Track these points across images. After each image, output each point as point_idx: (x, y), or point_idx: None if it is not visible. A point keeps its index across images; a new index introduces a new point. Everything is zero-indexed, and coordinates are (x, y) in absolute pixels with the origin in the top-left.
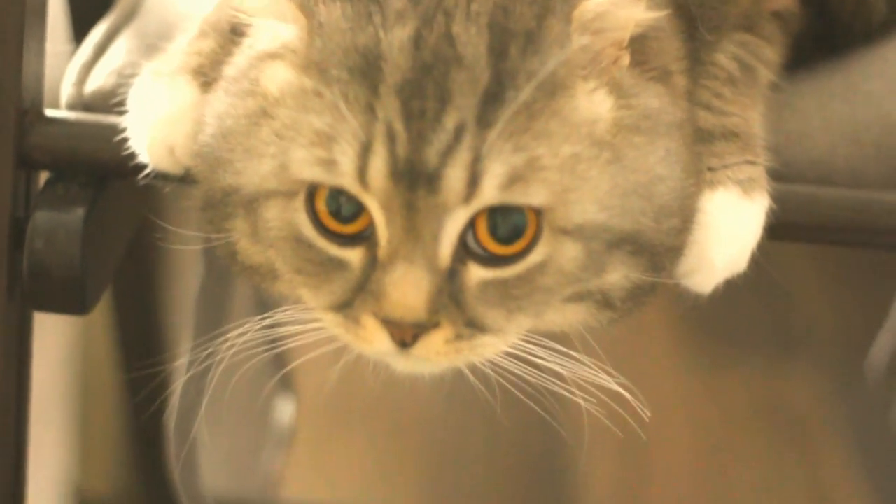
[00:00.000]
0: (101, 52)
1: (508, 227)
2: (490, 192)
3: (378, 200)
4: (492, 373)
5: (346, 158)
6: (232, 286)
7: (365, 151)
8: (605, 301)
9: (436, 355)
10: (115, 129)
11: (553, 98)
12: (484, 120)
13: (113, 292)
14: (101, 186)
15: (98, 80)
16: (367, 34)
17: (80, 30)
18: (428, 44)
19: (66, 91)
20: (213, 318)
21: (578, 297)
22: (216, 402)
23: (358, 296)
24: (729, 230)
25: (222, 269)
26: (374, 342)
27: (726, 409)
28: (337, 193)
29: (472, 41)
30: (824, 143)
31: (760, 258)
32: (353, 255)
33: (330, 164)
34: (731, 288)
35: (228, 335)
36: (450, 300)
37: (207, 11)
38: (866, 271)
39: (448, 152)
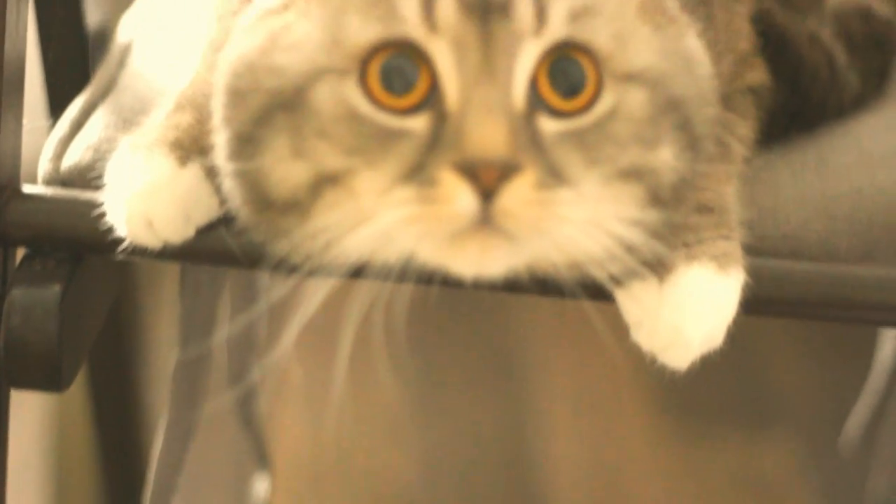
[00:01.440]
0: (78, 128)
1: (568, 81)
2: (557, 24)
3: (447, 40)
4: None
5: (409, 4)
6: (209, 360)
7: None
8: (656, 188)
9: (522, 206)
10: (93, 205)
11: None
12: None
13: (89, 367)
14: (78, 262)
15: (75, 156)
16: None
17: (56, 105)
18: None
19: (43, 167)
20: (190, 393)
21: (636, 174)
22: (192, 478)
23: (431, 154)
24: (705, 306)
25: (199, 341)
26: (455, 200)
27: (703, 481)
28: (391, 63)
29: None
30: (797, 217)
31: (736, 331)
32: (416, 123)
33: (391, 16)
34: (707, 360)
35: (204, 410)
36: (530, 142)
37: (184, 85)
38: (841, 343)
39: None
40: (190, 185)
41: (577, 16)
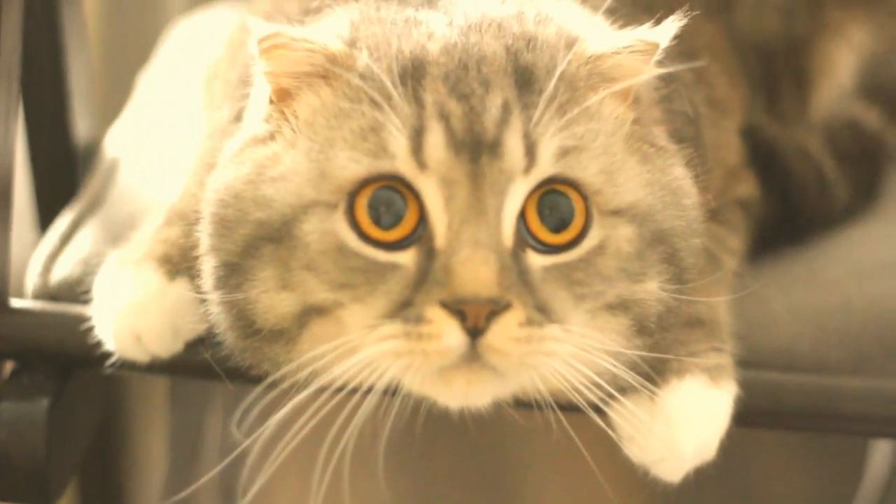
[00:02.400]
0: (67, 242)
1: (556, 215)
2: (547, 161)
3: (436, 177)
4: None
5: (399, 141)
6: (198, 475)
7: (418, 132)
8: (641, 319)
9: (510, 343)
10: (81, 319)
11: (574, 94)
12: (524, 101)
13: (78, 481)
14: (66, 376)
15: (64, 270)
16: (412, 43)
17: (45, 219)
18: (456, 50)
19: (32, 281)
20: None
21: (623, 306)
22: None
23: (419, 291)
24: (697, 419)
25: (189, 454)
26: (443, 337)
27: None
28: (379, 196)
29: (493, 45)
30: (788, 329)
31: (727, 441)
32: (405, 257)
33: (380, 152)
34: (699, 472)
35: None
36: (518, 280)
37: (172, 200)
38: (832, 454)
39: (503, 122)
40: (178, 300)
41: (565, 152)
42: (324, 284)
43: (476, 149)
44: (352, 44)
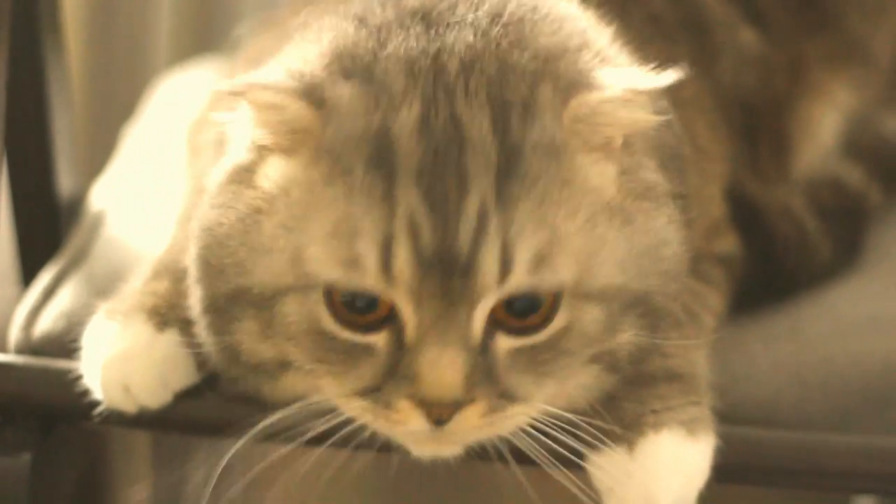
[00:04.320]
0: (50, 296)
1: (524, 306)
2: (521, 275)
3: (405, 292)
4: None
5: (369, 256)
6: None
7: (387, 245)
8: (612, 362)
9: (470, 429)
10: (64, 374)
11: (561, 166)
12: (503, 198)
13: None
14: (49, 431)
15: (46, 324)
16: (376, 119)
17: (28, 272)
18: (435, 127)
19: (14, 335)
20: None
21: (593, 359)
22: None
23: (389, 380)
24: (675, 472)
25: None
26: (409, 423)
27: None
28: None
29: (476, 119)
30: (770, 384)
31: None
32: (378, 339)
33: (351, 263)
34: None
35: None
36: (483, 375)
37: (160, 253)
38: None
39: (477, 239)
40: (167, 351)
41: (541, 259)
42: (303, 355)
43: (447, 268)
44: (319, 103)
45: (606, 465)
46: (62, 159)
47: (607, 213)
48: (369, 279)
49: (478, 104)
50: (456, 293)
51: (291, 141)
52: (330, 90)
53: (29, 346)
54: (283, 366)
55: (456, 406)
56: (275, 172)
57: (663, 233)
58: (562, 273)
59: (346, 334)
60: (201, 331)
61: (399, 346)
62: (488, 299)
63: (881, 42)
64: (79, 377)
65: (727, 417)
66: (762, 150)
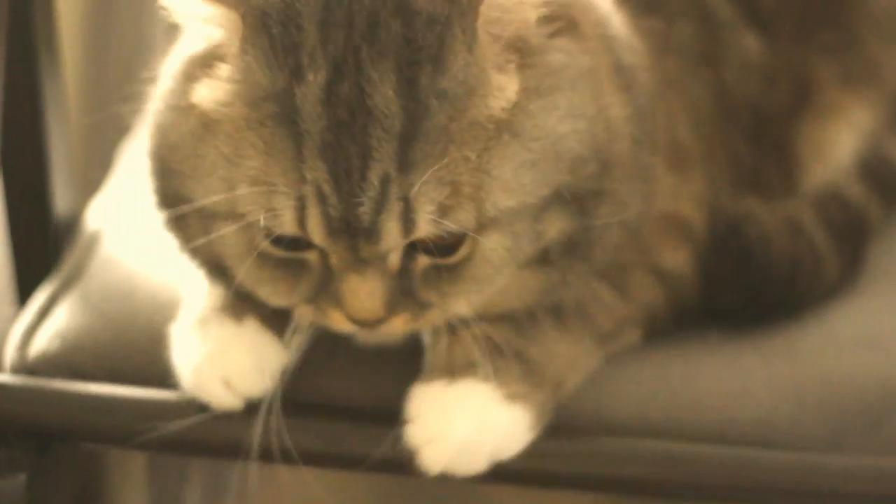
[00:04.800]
0: (45, 316)
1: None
2: (424, 229)
3: (322, 244)
4: None
5: (286, 213)
6: None
7: (301, 207)
8: (543, 259)
9: (399, 331)
10: (59, 394)
11: (465, 109)
12: (405, 164)
13: None
14: (44, 451)
15: (41, 344)
16: (282, 81)
17: (24, 292)
18: (340, 96)
19: (10, 355)
20: None
21: (522, 265)
22: None
23: (321, 294)
24: (475, 419)
25: None
26: (344, 327)
27: None
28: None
29: (382, 85)
30: (766, 402)
31: None
32: (310, 256)
33: (273, 215)
34: None
35: None
36: (402, 294)
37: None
38: None
39: (379, 209)
40: (253, 338)
41: (443, 213)
42: (244, 274)
43: (353, 234)
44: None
45: (423, 395)
46: (58, 178)
47: (496, 136)
48: (289, 229)
49: (384, 67)
50: (365, 252)
51: (219, 57)
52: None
53: (24, 366)
54: (226, 270)
55: (380, 322)
56: (206, 90)
57: (559, 127)
58: (462, 219)
59: (279, 252)
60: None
61: (328, 266)
62: (395, 253)
63: (891, 66)
64: (75, 397)
65: (723, 436)
66: (767, 161)
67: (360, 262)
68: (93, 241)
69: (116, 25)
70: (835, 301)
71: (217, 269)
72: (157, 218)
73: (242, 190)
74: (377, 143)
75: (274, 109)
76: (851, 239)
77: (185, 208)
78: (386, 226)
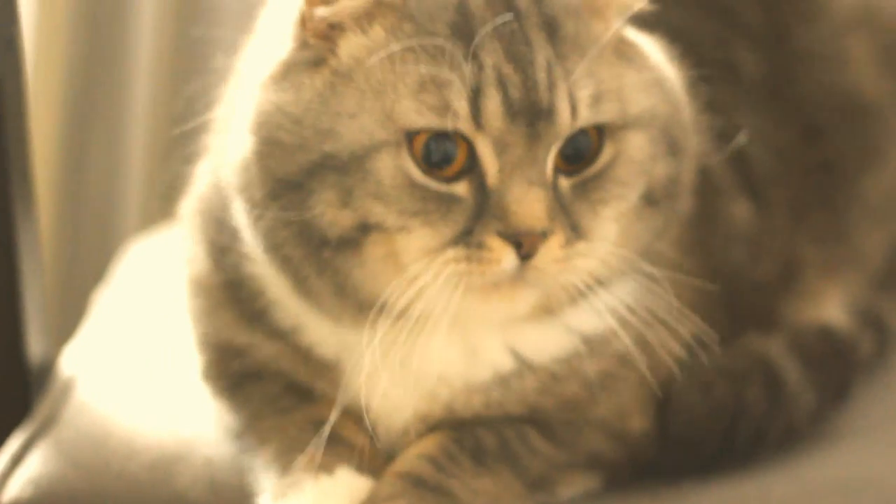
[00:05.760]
0: (18, 463)
1: (576, 150)
2: (585, 115)
3: (491, 137)
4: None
5: (461, 103)
6: None
7: (476, 96)
8: (650, 196)
9: (551, 264)
10: None
11: (584, 27)
12: (559, 55)
13: None
14: None
15: (14, 492)
16: None
17: None
18: (495, 1)
19: None
20: None
21: (639, 198)
22: None
23: (478, 222)
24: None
25: None
26: (502, 259)
27: None
28: (436, 139)
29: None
30: None
31: None
32: (460, 188)
33: (443, 109)
34: None
35: None
36: (558, 207)
37: None
38: None
39: (552, 87)
40: (349, 483)
41: (596, 100)
42: (394, 213)
43: (533, 115)
44: None
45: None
46: (33, 324)
47: (617, 55)
48: (461, 123)
49: None
50: (539, 135)
51: (372, 14)
52: None
53: None
54: (364, 230)
55: (542, 236)
56: (351, 47)
57: (661, 64)
58: (610, 108)
59: (433, 184)
60: (261, 227)
61: (481, 191)
62: (562, 138)
63: (876, 242)
64: None
65: None
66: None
67: (525, 164)
68: (67, 387)
69: (90, 175)
70: (807, 446)
71: (351, 241)
72: (263, 222)
73: (405, 103)
74: (533, 36)
75: (449, 18)
76: (834, 368)
77: (327, 164)
78: (560, 104)
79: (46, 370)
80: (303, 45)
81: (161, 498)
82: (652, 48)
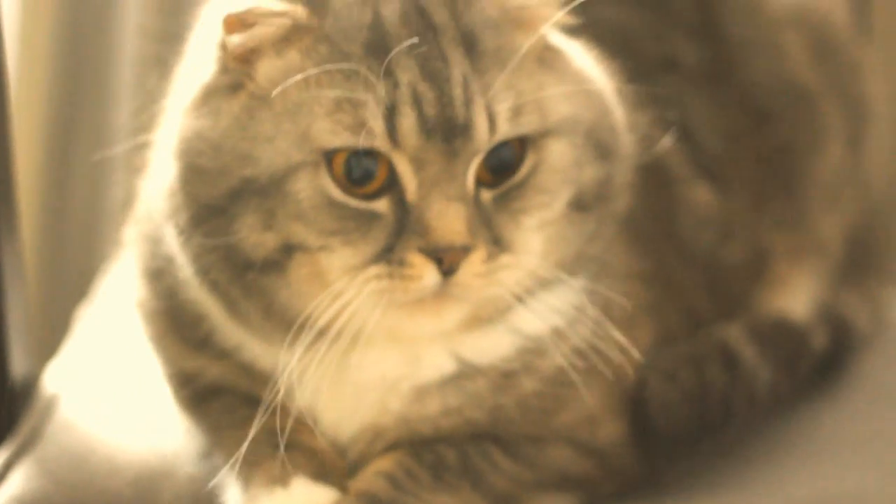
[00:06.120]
0: (0, 481)
1: (499, 161)
2: (504, 128)
3: (407, 155)
4: None
5: (376, 122)
6: None
7: (391, 114)
8: (581, 202)
9: (475, 279)
10: None
11: (503, 38)
12: (476, 69)
13: None
14: None
15: None
16: (368, 12)
17: None
18: (411, 17)
19: None
20: None
21: (566, 205)
22: None
23: (399, 239)
24: None
25: None
26: (424, 276)
27: None
28: (353, 157)
29: (437, 9)
30: None
31: None
32: (380, 205)
33: (358, 128)
34: None
35: None
36: (479, 222)
37: None
38: None
39: (469, 102)
40: (306, 495)
41: (516, 113)
42: (314, 232)
43: (449, 131)
44: (317, 6)
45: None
46: (15, 342)
47: (539, 65)
48: (377, 141)
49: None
50: (456, 151)
51: (288, 39)
52: None
53: None
54: (288, 251)
55: (463, 251)
56: (268, 70)
57: (582, 69)
58: (530, 119)
59: (353, 202)
60: (187, 254)
61: (401, 208)
62: (481, 153)
63: (831, 226)
64: None
65: None
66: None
67: (444, 180)
68: (49, 405)
69: (74, 192)
70: (789, 457)
71: (275, 263)
72: (190, 249)
73: (321, 123)
74: (449, 51)
75: (366, 36)
76: (786, 349)
77: (247, 187)
78: (478, 119)
79: (29, 387)
80: (223, 69)
81: None
82: (578, 53)
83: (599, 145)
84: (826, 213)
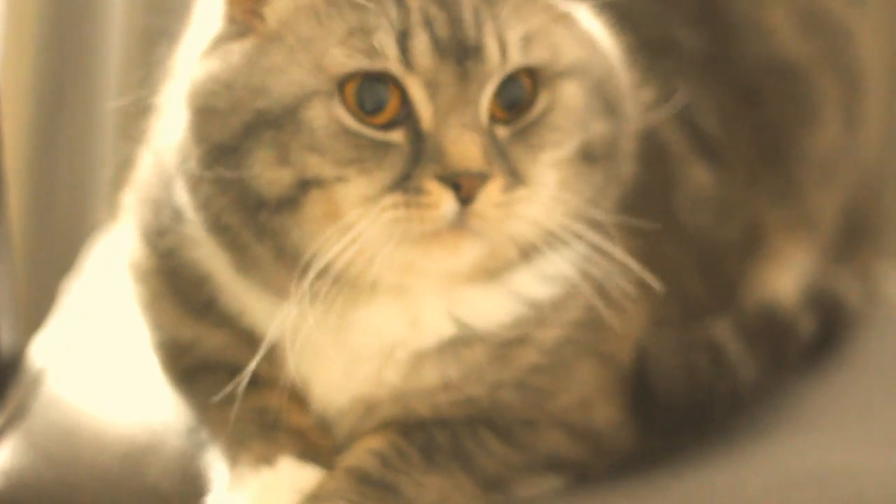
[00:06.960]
0: None
1: (510, 97)
2: (515, 57)
3: (421, 78)
4: None
5: (389, 44)
6: None
7: (404, 37)
8: (589, 153)
9: (493, 208)
10: None
11: None
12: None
13: None
14: None
15: None
16: None
17: None
18: None
19: None
20: None
21: (575, 152)
22: None
23: (416, 166)
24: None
25: None
26: (441, 203)
27: None
28: (365, 85)
29: None
30: None
31: None
32: (395, 135)
33: (371, 51)
34: None
35: None
36: (496, 152)
37: None
38: None
39: (480, 25)
40: (292, 474)
41: (526, 42)
42: (329, 163)
43: (461, 53)
44: None
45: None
46: (2, 314)
47: (555, 19)
48: (391, 63)
49: None
50: (469, 74)
51: None
52: None
53: None
54: (303, 187)
55: (480, 178)
56: (278, 9)
57: (592, 31)
58: (541, 52)
59: (368, 131)
60: (200, 192)
61: (417, 137)
62: (494, 79)
63: (824, 202)
64: None
65: None
66: (714, 296)
67: (459, 106)
68: (36, 379)
69: (61, 165)
70: (781, 436)
71: (290, 201)
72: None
73: (334, 50)
74: None
75: None
76: (771, 343)
77: (260, 120)
78: (488, 42)
79: (16, 360)
80: (231, 21)
81: (132, 489)
82: (586, 16)
83: (608, 100)
84: (821, 188)
